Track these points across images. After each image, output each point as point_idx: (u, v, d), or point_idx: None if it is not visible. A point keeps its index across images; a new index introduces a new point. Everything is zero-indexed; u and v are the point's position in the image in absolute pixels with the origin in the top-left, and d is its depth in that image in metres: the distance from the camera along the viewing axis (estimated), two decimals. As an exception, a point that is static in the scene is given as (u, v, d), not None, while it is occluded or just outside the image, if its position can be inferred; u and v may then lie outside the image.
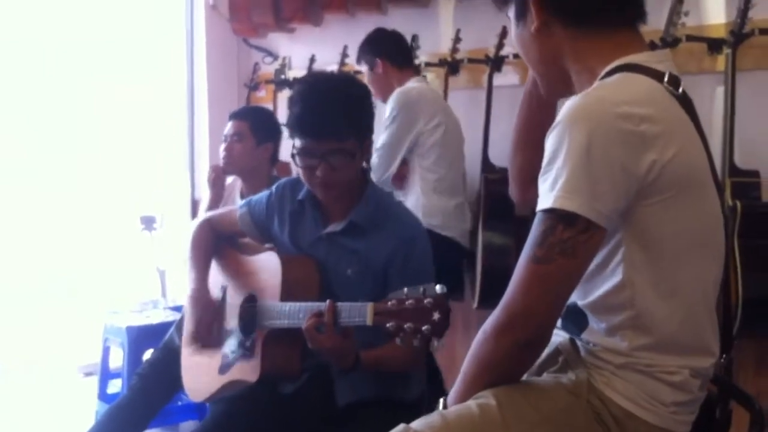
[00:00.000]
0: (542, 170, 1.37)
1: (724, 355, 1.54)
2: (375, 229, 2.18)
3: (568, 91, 1.54)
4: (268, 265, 2.24)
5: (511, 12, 1.55)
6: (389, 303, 1.84)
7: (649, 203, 1.36)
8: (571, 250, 1.33)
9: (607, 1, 1.48)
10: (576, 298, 1.46)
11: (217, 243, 2.46)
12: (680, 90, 1.43)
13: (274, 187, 2.35)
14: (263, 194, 2.37)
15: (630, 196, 1.34)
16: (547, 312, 1.37)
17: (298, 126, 2.13)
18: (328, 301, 1.98)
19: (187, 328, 2.43)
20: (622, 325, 1.42)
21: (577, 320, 1.47)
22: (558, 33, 1.48)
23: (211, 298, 2.39)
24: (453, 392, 1.48)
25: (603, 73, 1.44)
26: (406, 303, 1.81)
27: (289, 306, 2.10)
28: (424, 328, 1.77)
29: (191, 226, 2.53)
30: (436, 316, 1.77)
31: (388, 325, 1.82)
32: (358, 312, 1.91)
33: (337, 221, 2.22)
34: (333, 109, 2.10)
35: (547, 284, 1.35)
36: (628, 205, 1.36)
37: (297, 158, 2.15)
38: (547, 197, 1.35)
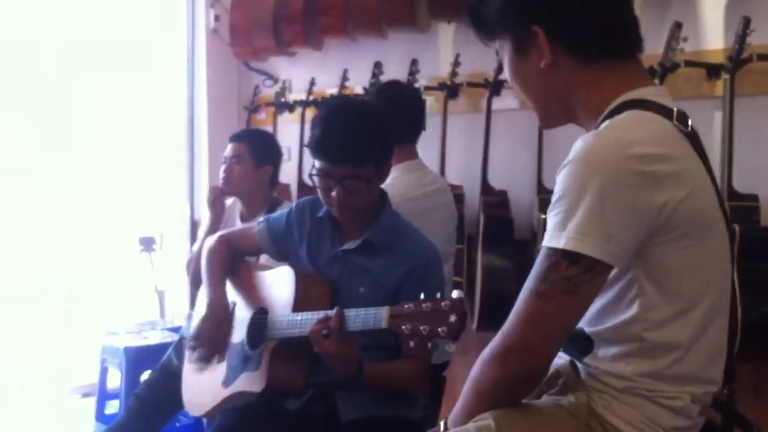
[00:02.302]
0: (551, 206, 1.38)
1: (726, 385, 1.54)
2: (389, 249, 2.22)
3: (569, 122, 1.56)
4: (281, 277, 2.27)
5: (505, 47, 1.54)
6: (406, 306, 1.87)
7: (662, 241, 1.37)
8: (573, 288, 1.33)
9: (616, 32, 1.49)
10: (583, 324, 1.46)
11: (231, 259, 2.49)
12: (689, 127, 1.44)
13: (294, 205, 2.41)
14: (283, 212, 2.42)
15: (643, 236, 1.35)
16: (544, 348, 1.37)
17: (316, 149, 2.17)
18: (336, 307, 2.01)
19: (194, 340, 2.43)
20: (630, 353, 1.43)
21: (581, 345, 1.48)
22: (566, 67, 1.48)
23: (228, 311, 2.40)
24: (453, 414, 1.48)
25: (611, 108, 1.45)
26: (423, 306, 1.84)
27: (301, 316, 2.12)
28: (440, 329, 1.80)
29: (205, 245, 2.53)
30: (452, 318, 1.79)
31: (403, 327, 1.84)
32: (374, 316, 1.93)
33: (352, 240, 2.25)
34: (351, 136, 2.14)
35: (546, 320, 1.36)
36: (642, 244, 1.36)
37: (315, 179, 2.21)
38: (556, 236, 1.35)
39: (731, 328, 1.52)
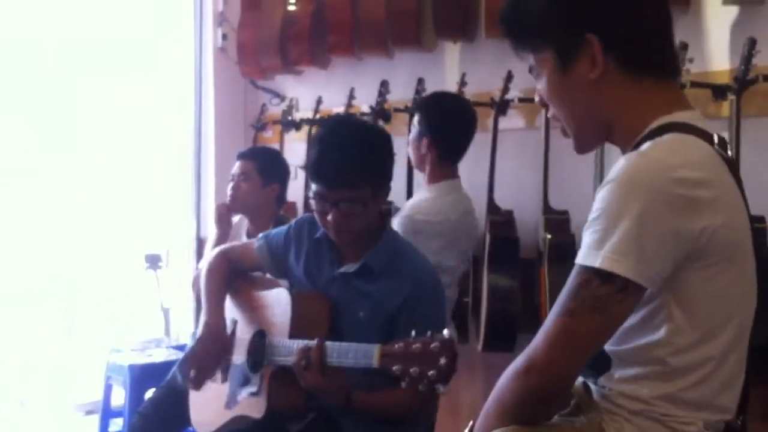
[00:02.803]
0: (588, 224, 1.37)
1: (740, 415, 1.53)
2: (388, 273, 2.19)
3: (605, 141, 1.52)
4: (278, 301, 2.25)
5: (545, 59, 1.48)
6: (396, 345, 1.84)
7: (695, 267, 1.36)
8: (603, 307, 1.32)
9: (666, 49, 1.47)
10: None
11: (232, 275, 2.46)
12: (729, 153, 1.44)
13: (293, 222, 2.38)
14: (282, 229, 2.39)
15: (678, 260, 1.34)
16: (568, 365, 1.36)
17: (312, 172, 2.15)
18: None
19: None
20: (649, 375, 1.41)
21: (597, 364, 1.46)
22: (614, 81, 1.44)
23: (225, 333, 2.36)
24: (477, 423, 1.47)
25: (651, 128, 1.42)
26: (413, 346, 1.80)
27: (297, 343, 2.10)
28: (429, 373, 1.76)
29: (206, 260, 2.53)
30: (442, 361, 1.76)
31: (394, 368, 1.81)
32: (365, 353, 1.91)
33: (351, 262, 2.23)
34: (346, 159, 2.11)
35: (573, 338, 1.35)
36: (675, 269, 1.35)
37: (312, 202, 2.18)
38: (592, 254, 1.34)
39: (748, 360, 1.51)
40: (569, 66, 1.45)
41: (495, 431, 1.41)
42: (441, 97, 3.19)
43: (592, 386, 1.48)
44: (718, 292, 1.39)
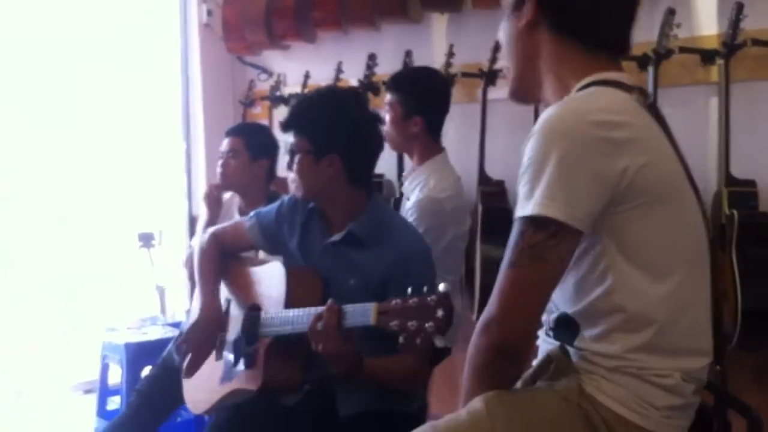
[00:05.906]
0: (519, 178, 1.42)
1: (718, 366, 1.55)
2: (375, 243, 2.21)
3: (536, 97, 1.60)
4: (272, 274, 2.26)
5: (507, 5, 1.58)
6: (393, 302, 1.86)
7: (625, 209, 1.40)
8: (540, 254, 1.36)
9: (605, 19, 1.52)
10: (566, 307, 1.48)
11: (225, 257, 2.48)
12: (649, 101, 1.49)
13: (286, 198, 2.40)
14: (274, 205, 2.41)
15: (605, 200, 1.38)
16: (520, 316, 1.39)
17: None
18: (330, 300, 1.99)
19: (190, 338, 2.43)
20: (614, 328, 1.44)
21: (569, 330, 1.49)
22: (544, 35, 1.52)
23: (222, 316, 2.39)
24: (460, 398, 1.49)
25: (577, 87, 1.48)
26: (410, 301, 1.83)
27: (293, 312, 2.11)
28: (427, 325, 1.79)
29: (197, 243, 2.53)
30: (439, 313, 1.78)
31: (391, 323, 1.83)
32: (362, 312, 1.92)
33: (339, 231, 2.25)
34: (297, 104, 2.26)
35: (519, 289, 1.39)
36: (605, 210, 1.39)
37: None
38: (524, 205, 1.39)
39: (715, 308, 1.54)
40: (516, 12, 1.55)
41: (473, 401, 1.44)
42: (420, 73, 3.18)
43: (570, 349, 1.49)
44: (656, 232, 1.42)
